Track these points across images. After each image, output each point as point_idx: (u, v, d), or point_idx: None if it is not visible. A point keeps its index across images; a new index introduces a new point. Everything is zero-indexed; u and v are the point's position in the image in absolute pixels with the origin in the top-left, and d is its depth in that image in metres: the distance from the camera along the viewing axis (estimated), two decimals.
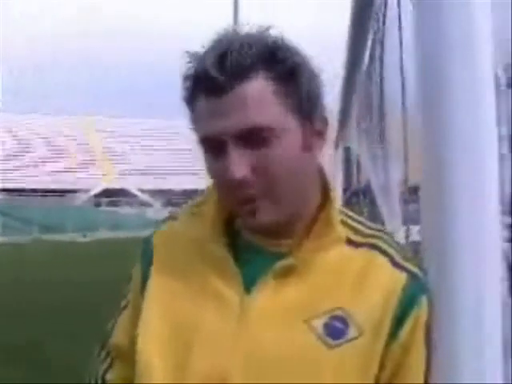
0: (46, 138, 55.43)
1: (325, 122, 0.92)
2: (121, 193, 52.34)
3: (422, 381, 0.86)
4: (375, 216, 6.15)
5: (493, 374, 0.84)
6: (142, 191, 53.23)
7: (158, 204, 47.86)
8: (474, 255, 0.84)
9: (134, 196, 52.83)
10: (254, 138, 0.84)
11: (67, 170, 55.15)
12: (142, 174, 58.51)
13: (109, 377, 1.02)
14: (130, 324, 0.98)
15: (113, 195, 49.84)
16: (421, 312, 0.86)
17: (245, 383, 0.84)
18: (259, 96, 0.84)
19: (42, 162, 53.74)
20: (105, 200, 47.14)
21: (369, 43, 4.36)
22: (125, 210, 41.67)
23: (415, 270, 0.89)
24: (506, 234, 0.86)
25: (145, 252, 1.01)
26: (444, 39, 0.87)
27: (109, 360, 1.03)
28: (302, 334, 0.85)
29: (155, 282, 0.96)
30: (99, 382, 1.02)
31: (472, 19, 0.86)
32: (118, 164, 59.99)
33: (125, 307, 1.03)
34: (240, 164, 0.83)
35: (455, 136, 0.85)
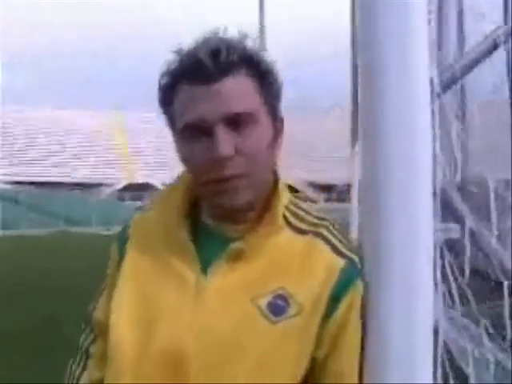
0: (65, 131, 55.80)
1: (282, 122, 1.05)
2: (144, 187, 52.76)
3: (357, 356, 0.95)
4: None
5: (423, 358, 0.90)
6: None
7: None
8: (407, 250, 0.90)
9: (157, 190, 53.16)
10: (239, 122, 0.94)
11: (93, 165, 55.57)
12: (163, 168, 58.85)
13: (91, 350, 1.14)
14: (108, 302, 1.08)
15: (137, 189, 50.24)
16: (356, 294, 0.95)
17: (197, 353, 0.94)
18: (243, 88, 0.95)
19: (63, 155, 54.16)
20: (128, 194, 47.53)
21: None
22: None
23: (353, 257, 0.99)
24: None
25: (123, 233, 1.13)
26: (382, 45, 0.92)
27: (92, 335, 1.15)
28: (248, 311, 0.95)
29: (128, 261, 1.07)
30: (84, 354, 1.15)
31: (408, 26, 0.92)
32: (141, 158, 60.41)
33: (105, 287, 1.14)
34: (227, 143, 0.93)
35: (391, 138, 0.91)
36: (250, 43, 0.98)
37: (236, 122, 0.95)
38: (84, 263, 13.49)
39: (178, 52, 0.98)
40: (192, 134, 0.96)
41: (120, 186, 52.76)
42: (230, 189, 0.96)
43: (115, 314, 1.03)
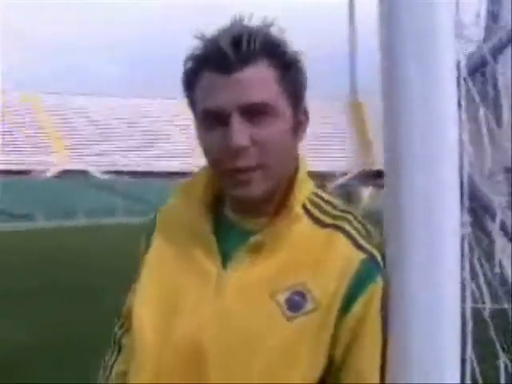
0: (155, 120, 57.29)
1: (307, 114, 1.02)
2: None
3: (378, 353, 0.91)
4: None
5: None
6: None
7: None
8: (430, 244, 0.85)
9: None
10: (256, 113, 0.94)
11: (187, 154, 56.90)
12: None
13: (123, 341, 1.18)
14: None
15: None
16: (375, 290, 0.92)
17: (216, 344, 0.95)
18: (264, 78, 0.94)
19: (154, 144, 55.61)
20: None
21: None
22: None
23: (375, 252, 0.95)
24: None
25: (150, 224, 1.15)
26: (405, 29, 0.88)
27: (123, 329, 1.18)
28: (266, 307, 0.94)
29: (153, 251, 1.08)
30: (117, 345, 1.19)
31: (434, 11, 0.87)
32: None
33: (135, 280, 1.15)
34: (242, 133, 0.93)
35: (415, 125, 0.87)
36: (276, 32, 0.96)
37: (253, 112, 0.94)
38: None
39: (201, 38, 0.97)
40: (211, 122, 0.96)
41: None
42: (245, 180, 0.95)
43: (138, 306, 1.05)
